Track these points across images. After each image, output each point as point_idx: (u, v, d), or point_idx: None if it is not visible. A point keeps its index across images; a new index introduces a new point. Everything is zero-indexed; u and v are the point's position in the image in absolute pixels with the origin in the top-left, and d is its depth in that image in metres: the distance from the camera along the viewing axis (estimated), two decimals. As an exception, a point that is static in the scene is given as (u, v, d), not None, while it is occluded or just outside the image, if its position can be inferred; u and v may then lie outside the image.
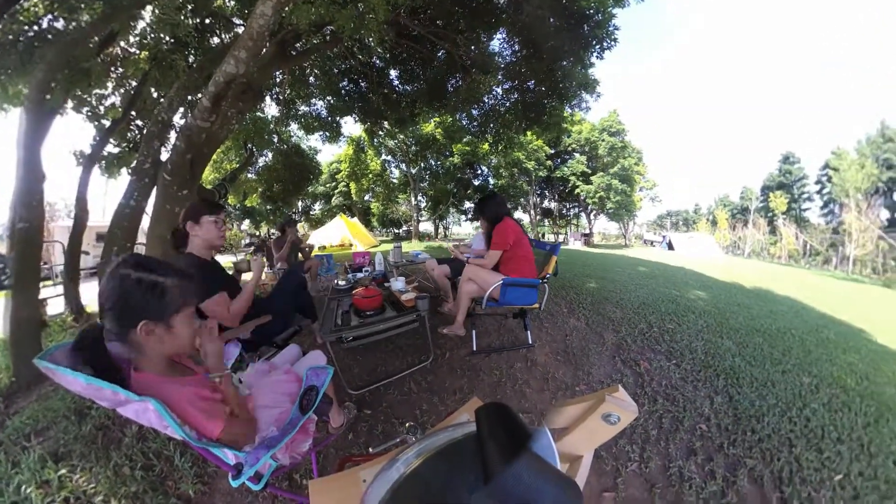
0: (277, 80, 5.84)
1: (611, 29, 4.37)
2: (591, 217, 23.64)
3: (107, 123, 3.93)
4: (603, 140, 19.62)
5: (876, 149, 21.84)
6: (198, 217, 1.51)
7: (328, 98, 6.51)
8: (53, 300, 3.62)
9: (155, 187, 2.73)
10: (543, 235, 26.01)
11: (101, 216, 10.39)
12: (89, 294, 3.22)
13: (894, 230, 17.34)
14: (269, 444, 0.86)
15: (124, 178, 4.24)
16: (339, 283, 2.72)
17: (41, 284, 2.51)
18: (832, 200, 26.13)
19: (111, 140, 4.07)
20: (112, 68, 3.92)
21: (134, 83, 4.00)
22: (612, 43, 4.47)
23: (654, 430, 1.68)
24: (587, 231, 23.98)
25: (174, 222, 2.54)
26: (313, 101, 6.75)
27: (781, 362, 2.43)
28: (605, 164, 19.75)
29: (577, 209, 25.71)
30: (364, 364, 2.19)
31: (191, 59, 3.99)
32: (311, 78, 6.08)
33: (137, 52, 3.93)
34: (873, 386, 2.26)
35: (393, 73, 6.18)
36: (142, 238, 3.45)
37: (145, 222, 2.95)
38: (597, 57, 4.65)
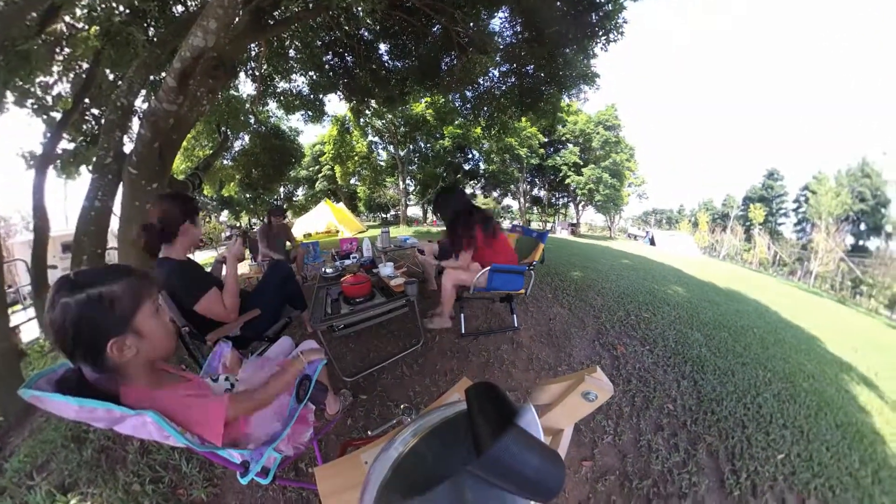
0: (253, 53, 5.26)
1: (619, 21, 4.19)
2: (580, 208, 23.94)
3: (57, 116, 3.30)
4: (598, 133, 19.55)
5: (854, 181, 23.73)
6: (195, 217, 1.45)
7: (310, 73, 5.92)
8: (26, 325, 3.31)
9: (121, 184, 2.45)
10: (530, 223, 26.27)
11: (64, 224, 9.38)
12: None
13: (855, 255, 19.09)
14: (272, 438, 0.87)
15: (85, 177, 3.53)
16: (327, 270, 2.67)
17: (10, 311, 2.29)
18: (806, 219, 28.22)
19: (65, 135, 3.45)
20: (57, 49, 3.26)
21: (85, 65, 3.38)
22: (619, 36, 4.31)
23: (628, 407, 1.83)
24: (574, 221, 24.35)
25: (147, 220, 2.38)
26: (293, 77, 6.11)
27: (742, 356, 2.63)
28: (598, 157, 19.80)
29: (565, 199, 25.93)
30: (356, 350, 2.22)
31: (151, 32, 3.41)
32: (290, 51, 5.49)
33: (86, 27, 3.26)
34: (817, 384, 2.49)
35: (382, 47, 5.67)
36: (113, 242, 3.08)
37: (114, 224, 2.63)
38: (601, 48, 4.49)
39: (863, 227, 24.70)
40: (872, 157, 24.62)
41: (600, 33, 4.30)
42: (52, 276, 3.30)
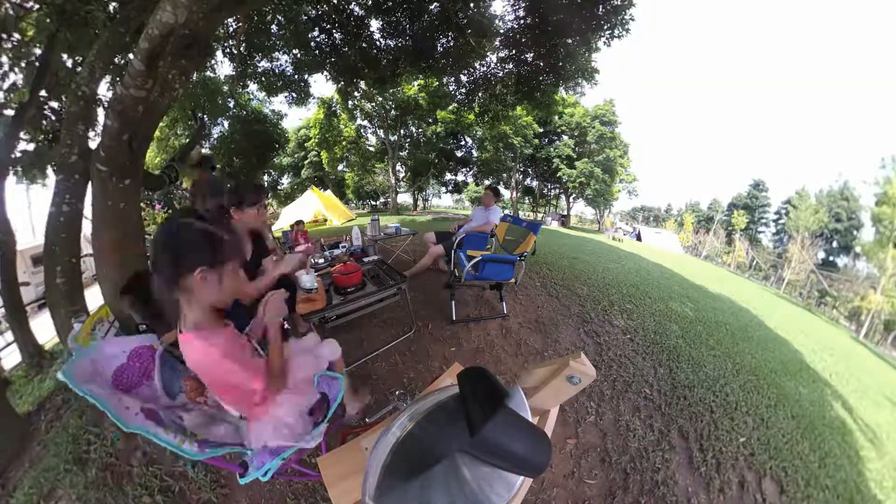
0: (230, 29, 4.77)
1: (626, 17, 4.06)
2: (570, 200, 24.15)
3: (11, 113, 2.90)
4: (593, 127, 19.51)
5: (832, 201, 25.30)
6: (240, 203, 1.61)
7: (294, 52, 5.51)
8: (6, 351, 3.09)
9: (89, 184, 2.23)
10: (525, 212, 26.40)
11: (31, 236, 8.41)
12: (45, 330, 2.77)
13: (824, 269, 20.76)
14: (276, 451, 0.86)
15: (50, 180, 3.15)
16: (318, 260, 2.64)
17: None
18: (784, 231, 29.78)
19: (21, 135, 3.03)
20: (4, 35, 2.80)
21: (38, 51, 2.93)
22: (624, 32, 4.20)
23: (609, 390, 1.94)
24: (565, 213, 24.62)
25: (121, 221, 2.18)
26: (276, 55, 5.65)
27: (714, 348, 2.78)
28: (592, 151, 19.83)
29: (557, 190, 26.09)
30: (349, 340, 2.23)
31: (112, 8, 2.93)
32: (273, 27, 5.04)
33: (36, 6, 2.80)
34: (779, 379, 2.67)
35: (374, 24, 5.28)
36: (87, 248, 2.89)
37: (87, 229, 2.39)
38: (604, 43, 4.37)
39: (835, 244, 26.43)
40: (854, 182, 26.33)
41: (605, 27, 4.17)
42: (25, 294, 3.04)
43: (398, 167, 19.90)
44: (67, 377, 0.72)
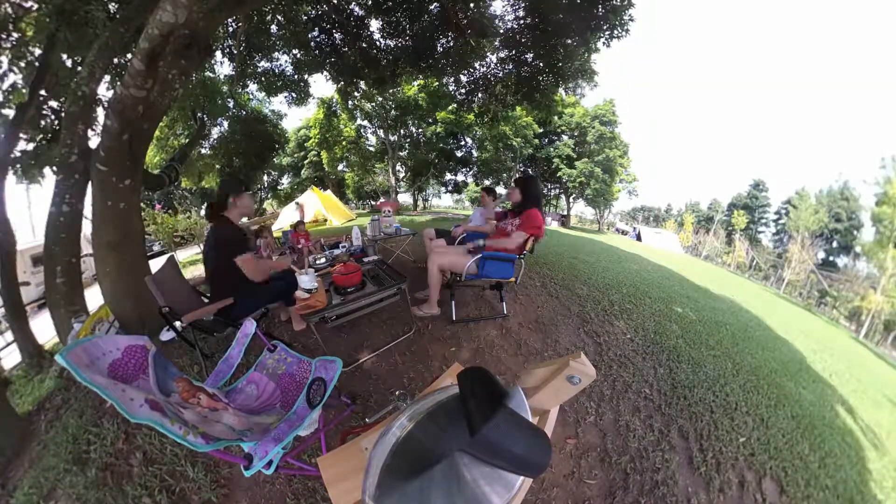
0: (230, 29, 4.82)
1: (625, 18, 4.07)
2: (570, 200, 24.14)
3: (10, 113, 2.90)
4: (593, 127, 19.51)
5: (832, 201, 25.42)
6: (239, 191, 1.79)
7: (294, 52, 5.55)
8: (6, 351, 3.09)
9: (89, 183, 2.26)
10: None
11: (31, 236, 8.49)
12: (45, 330, 2.78)
13: (824, 269, 20.90)
14: (278, 438, 0.87)
15: (50, 179, 3.07)
16: (318, 260, 2.63)
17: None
18: (784, 231, 29.92)
19: (21, 134, 3.03)
20: (3, 35, 2.83)
21: (38, 51, 2.95)
22: (624, 33, 4.20)
23: (609, 390, 1.94)
24: (565, 213, 24.61)
25: (121, 221, 2.25)
26: (276, 55, 5.69)
27: (714, 348, 2.78)
28: (592, 151, 19.83)
29: (557, 190, 26.09)
30: (349, 340, 2.23)
31: (112, 8, 3.00)
32: (272, 27, 5.09)
33: (35, 5, 2.82)
34: (779, 378, 2.67)
35: (374, 24, 5.31)
36: (87, 248, 2.90)
37: (87, 228, 2.43)
38: (604, 43, 4.38)
39: (835, 244, 26.48)
40: (854, 182, 26.41)
41: (605, 27, 4.17)
42: (25, 294, 3.00)
43: (398, 167, 19.90)
44: (67, 363, 0.72)
